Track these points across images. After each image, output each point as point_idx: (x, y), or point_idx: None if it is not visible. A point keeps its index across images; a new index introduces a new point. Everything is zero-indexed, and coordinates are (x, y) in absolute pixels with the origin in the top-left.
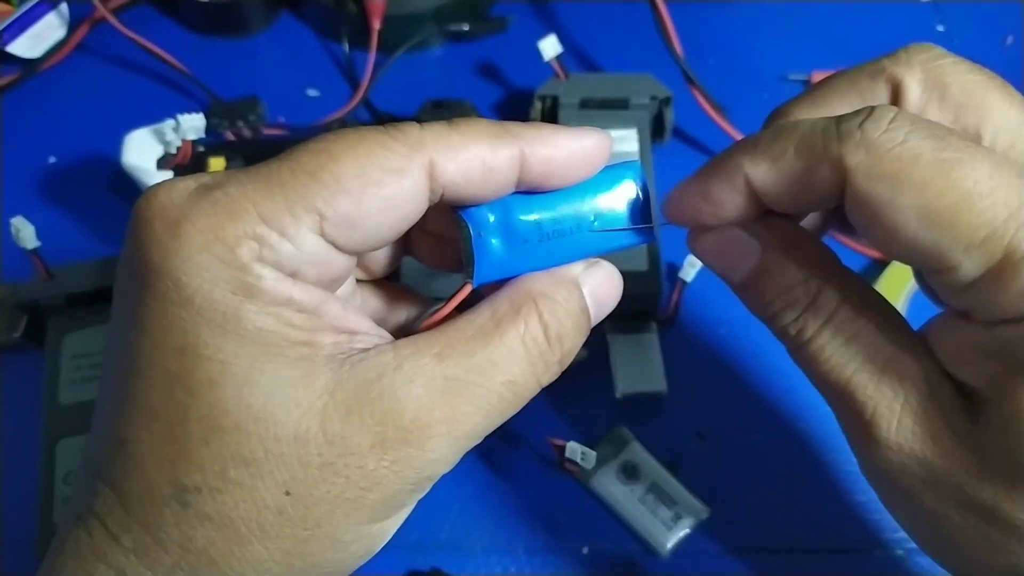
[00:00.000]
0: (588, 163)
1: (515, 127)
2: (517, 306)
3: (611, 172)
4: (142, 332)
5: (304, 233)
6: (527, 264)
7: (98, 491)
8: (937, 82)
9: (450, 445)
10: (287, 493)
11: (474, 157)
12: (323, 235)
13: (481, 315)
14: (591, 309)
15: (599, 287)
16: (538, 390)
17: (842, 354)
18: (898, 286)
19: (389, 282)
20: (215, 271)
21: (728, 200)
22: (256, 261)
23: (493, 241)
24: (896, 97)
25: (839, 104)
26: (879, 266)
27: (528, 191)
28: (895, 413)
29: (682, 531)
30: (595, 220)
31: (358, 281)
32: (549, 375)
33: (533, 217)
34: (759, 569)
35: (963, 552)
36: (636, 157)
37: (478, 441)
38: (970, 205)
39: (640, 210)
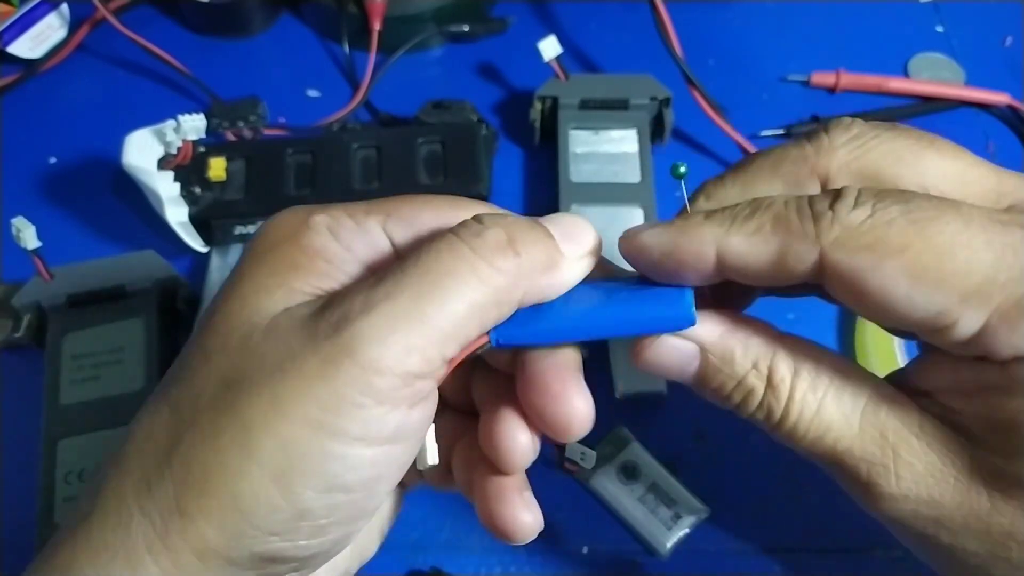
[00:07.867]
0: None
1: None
2: None
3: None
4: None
5: (371, 223)
6: (550, 327)
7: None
8: (865, 168)
9: (387, 331)
10: (225, 385)
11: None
12: (384, 227)
13: None
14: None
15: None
16: (489, 270)
17: (817, 426)
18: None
19: None
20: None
21: (692, 264)
22: (325, 227)
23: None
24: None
25: (764, 190)
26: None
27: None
28: (890, 469)
29: (682, 531)
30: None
31: None
32: (498, 256)
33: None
34: (759, 569)
35: None
36: (636, 157)
37: (445, 345)
38: (953, 256)
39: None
